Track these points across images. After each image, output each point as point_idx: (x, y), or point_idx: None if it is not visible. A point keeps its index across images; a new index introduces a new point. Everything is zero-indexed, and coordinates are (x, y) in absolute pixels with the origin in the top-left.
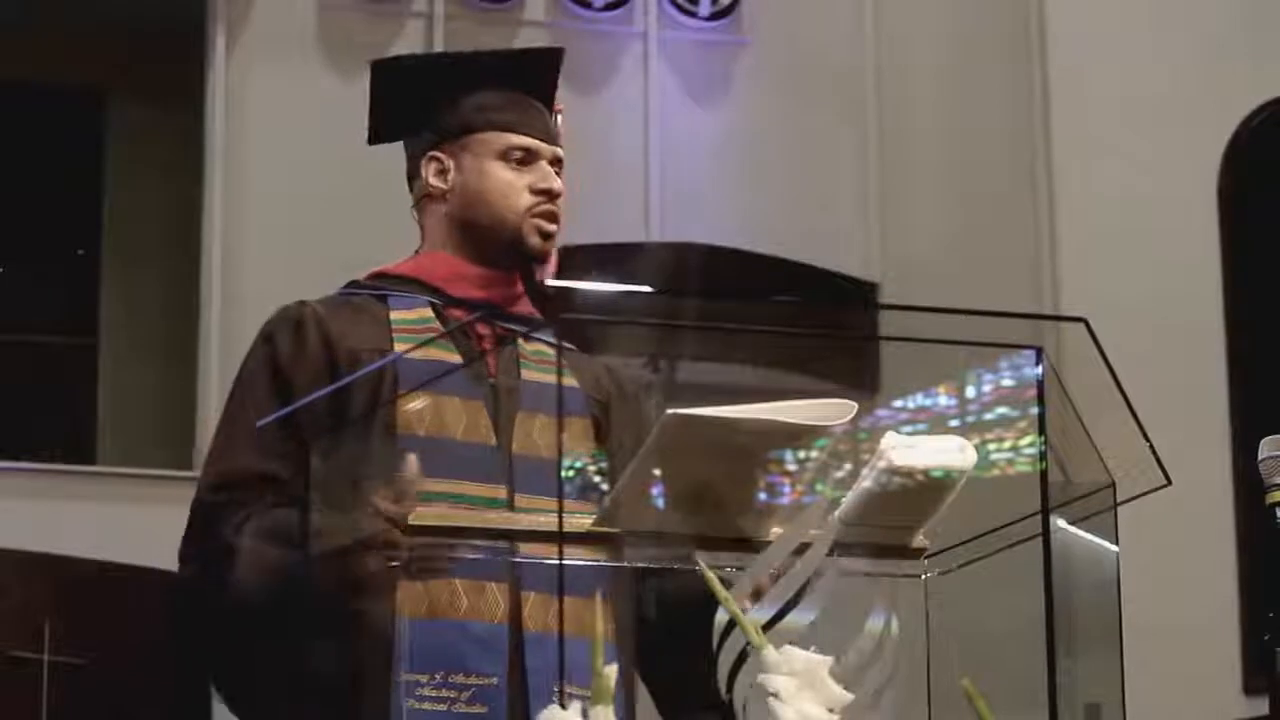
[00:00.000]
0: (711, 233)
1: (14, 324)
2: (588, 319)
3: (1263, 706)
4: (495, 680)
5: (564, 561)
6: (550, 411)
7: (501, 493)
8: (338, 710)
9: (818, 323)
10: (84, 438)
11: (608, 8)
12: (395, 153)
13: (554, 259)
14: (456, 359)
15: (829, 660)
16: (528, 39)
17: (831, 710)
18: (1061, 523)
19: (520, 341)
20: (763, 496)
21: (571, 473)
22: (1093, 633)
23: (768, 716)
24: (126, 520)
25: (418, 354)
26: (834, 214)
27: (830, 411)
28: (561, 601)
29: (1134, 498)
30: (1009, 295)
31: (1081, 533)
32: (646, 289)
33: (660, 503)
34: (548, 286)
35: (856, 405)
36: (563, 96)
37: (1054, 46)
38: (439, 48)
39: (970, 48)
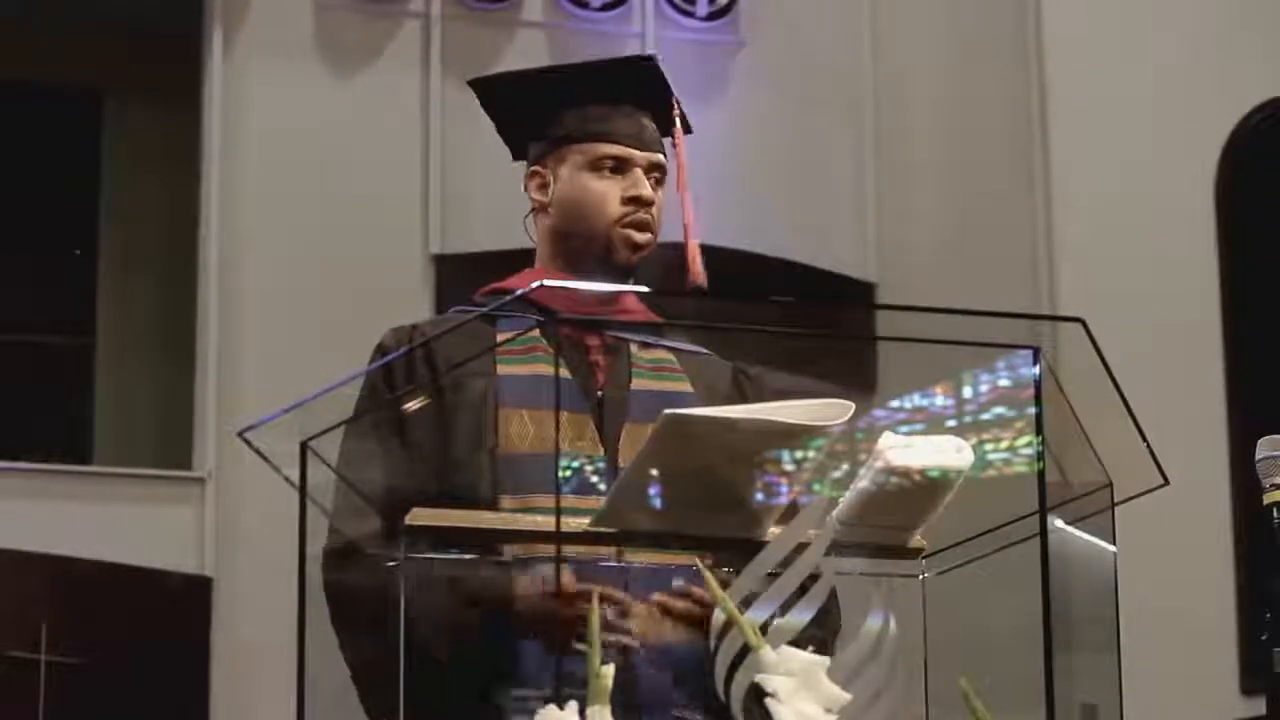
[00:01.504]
0: (708, 232)
1: (11, 324)
2: (584, 319)
3: (1260, 707)
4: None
5: (561, 561)
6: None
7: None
8: None
9: (815, 323)
10: (81, 438)
11: (605, 8)
12: (392, 152)
13: (698, 257)
14: (564, 373)
15: (826, 660)
16: (525, 39)
17: (829, 710)
18: (1059, 523)
19: (636, 350)
20: (760, 496)
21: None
22: (1090, 633)
23: (766, 716)
24: (124, 520)
25: (519, 369)
26: (831, 214)
27: (827, 412)
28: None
29: (1131, 498)
30: (1006, 295)
31: (1079, 533)
32: (643, 289)
33: (658, 503)
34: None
35: (854, 405)
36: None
37: (1051, 47)
38: (436, 48)
39: (967, 48)
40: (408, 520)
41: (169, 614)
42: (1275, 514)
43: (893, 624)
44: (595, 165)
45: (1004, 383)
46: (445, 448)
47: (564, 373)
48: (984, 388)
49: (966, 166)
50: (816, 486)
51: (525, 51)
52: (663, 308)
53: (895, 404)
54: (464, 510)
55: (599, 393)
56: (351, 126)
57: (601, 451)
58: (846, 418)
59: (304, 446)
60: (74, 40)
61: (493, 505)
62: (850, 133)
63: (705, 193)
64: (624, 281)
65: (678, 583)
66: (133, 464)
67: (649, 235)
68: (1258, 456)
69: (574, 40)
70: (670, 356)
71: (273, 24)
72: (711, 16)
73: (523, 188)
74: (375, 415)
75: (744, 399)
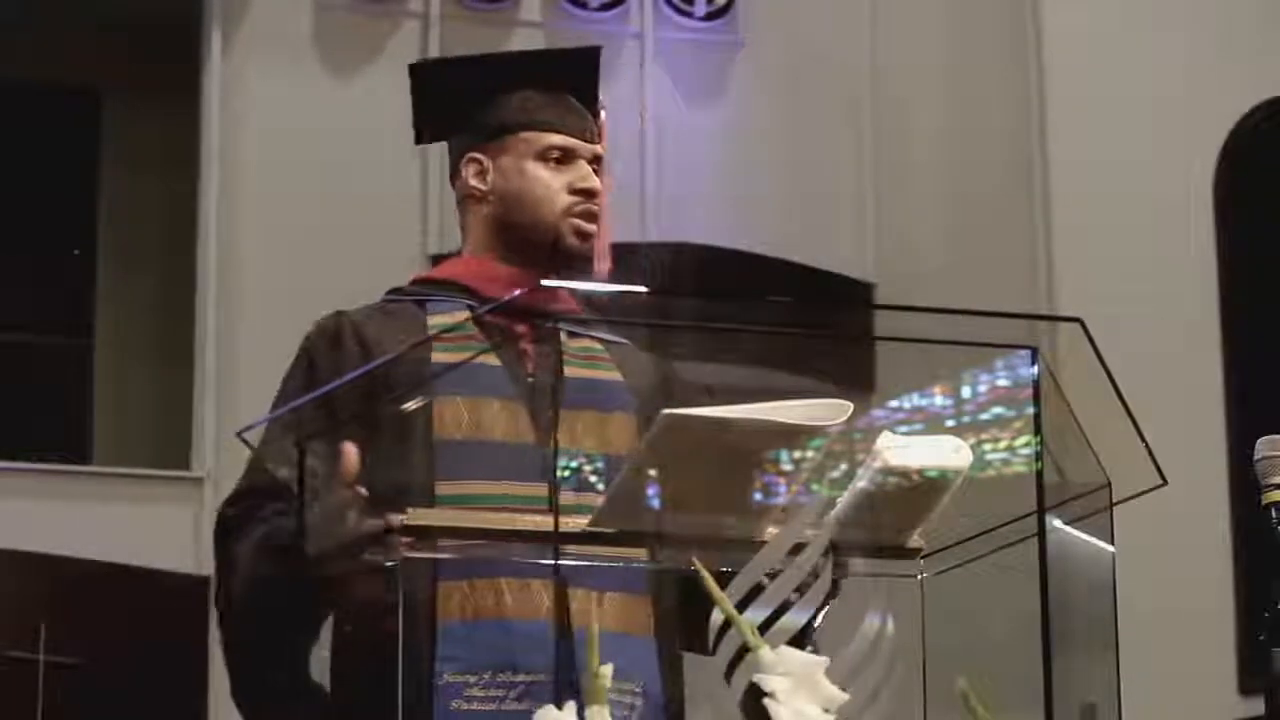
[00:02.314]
0: (707, 233)
1: (9, 323)
2: (580, 319)
3: (1259, 707)
4: (544, 677)
5: (559, 562)
6: (595, 408)
7: (544, 491)
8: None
9: (813, 323)
10: (80, 438)
11: (604, 8)
12: (391, 152)
13: (607, 258)
14: (495, 362)
15: (825, 660)
16: (524, 39)
17: (827, 710)
18: (1057, 523)
19: (565, 339)
20: (758, 496)
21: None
22: (1088, 633)
23: (764, 716)
24: (122, 520)
25: (453, 357)
26: (830, 214)
27: (826, 412)
28: (557, 600)
29: (1130, 498)
30: (1004, 295)
31: (1077, 533)
32: (642, 289)
33: (656, 502)
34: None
35: (852, 405)
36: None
37: (1050, 46)
38: (435, 48)
39: (966, 48)
40: (405, 520)
41: (167, 614)
42: (1274, 514)
43: (891, 624)
44: (542, 155)
45: (1002, 383)
46: (381, 433)
47: (494, 360)
48: (982, 388)
49: (965, 166)
50: (815, 486)
51: None
52: (596, 301)
53: (894, 404)
54: (462, 510)
55: (529, 380)
56: (350, 126)
57: (533, 439)
58: (845, 418)
59: (301, 447)
60: (73, 40)
61: (429, 490)
62: (849, 132)
63: (704, 192)
64: (575, 269)
65: None
66: (131, 464)
67: (595, 227)
68: (1256, 456)
69: (572, 40)
70: (598, 346)
71: (272, 24)
72: (710, 16)
73: (450, 176)
74: (309, 404)
75: (669, 391)
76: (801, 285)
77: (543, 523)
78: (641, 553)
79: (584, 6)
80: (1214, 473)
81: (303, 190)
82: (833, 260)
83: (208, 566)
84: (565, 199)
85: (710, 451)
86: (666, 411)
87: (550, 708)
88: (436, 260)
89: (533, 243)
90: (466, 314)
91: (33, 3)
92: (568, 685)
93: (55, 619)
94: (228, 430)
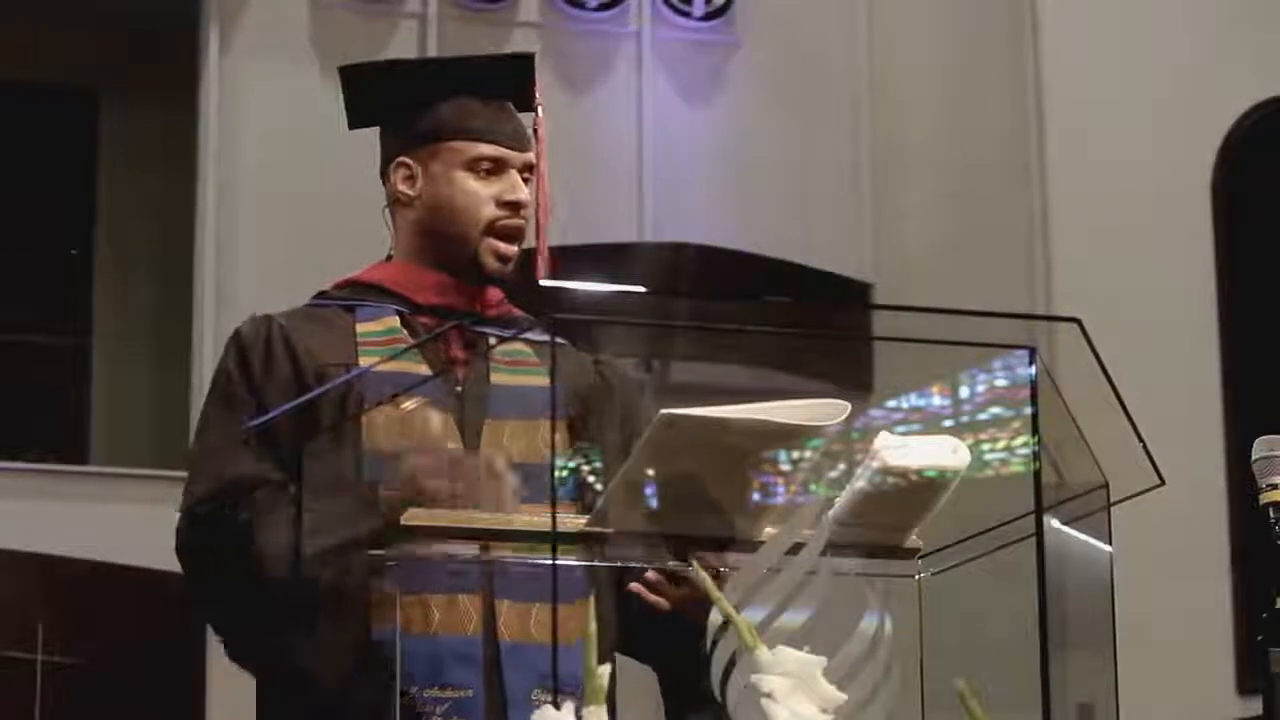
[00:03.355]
0: (705, 233)
1: (8, 323)
2: (579, 319)
3: (1257, 707)
4: (471, 692)
5: (557, 562)
6: (520, 415)
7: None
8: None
9: (811, 323)
10: (77, 437)
11: (601, 8)
12: None
13: (547, 262)
14: (424, 369)
15: (823, 660)
16: (521, 39)
17: (825, 710)
18: (1055, 523)
19: (494, 344)
20: (756, 497)
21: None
22: (1086, 633)
23: (761, 717)
24: (119, 520)
25: (384, 366)
26: (827, 214)
27: (823, 412)
28: (555, 601)
29: (1127, 498)
30: (1003, 295)
31: (1075, 533)
32: (639, 289)
33: (653, 503)
34: (543, 287)
35: (850, 405)
36: (556, 97)
37: (1047, 46)
38: (432, 48)
39: (964, 48)
40: (404, 520)
41: (165, 614)
42: (1272, 514)
43: (889, 624)
44: (471, 165)
45: (1000, 383)
46: (308, 440)
47: (422, 368)
48: (980, 388)
49: (963, 166)
50: (813, 486)
51: None
52: (527, 305)
53: (891, 404)
54: (460, 511)
55: (458, 388)
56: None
57: (462, 448)
58: (842, 418)
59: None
60: (71, 40)
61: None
62: (847, 132)
63: (701, 192)
64: (493, 283)
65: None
66: (129, 464)
67: (515, 248)
68: (1254, 456)
69: (569, 40)
70: (528, 350)
71: (269, 23)
72: (708, 16)
73: (381, 175)
74: (227, 403)
75: (609, 389)
76: (799, 285)
77: (540, 523)
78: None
79: (581, 6)
80: (1212, 473)
81: (300, 190)
82: (830, 260)
83: None
84: (490, 211)
85: (708, 451)
86: (664, 411)
87: (548, 708)
88: None
89: (453, 254)
90: (395, 319)
91: (31, 2)
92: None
93: (53, 619)
94: None
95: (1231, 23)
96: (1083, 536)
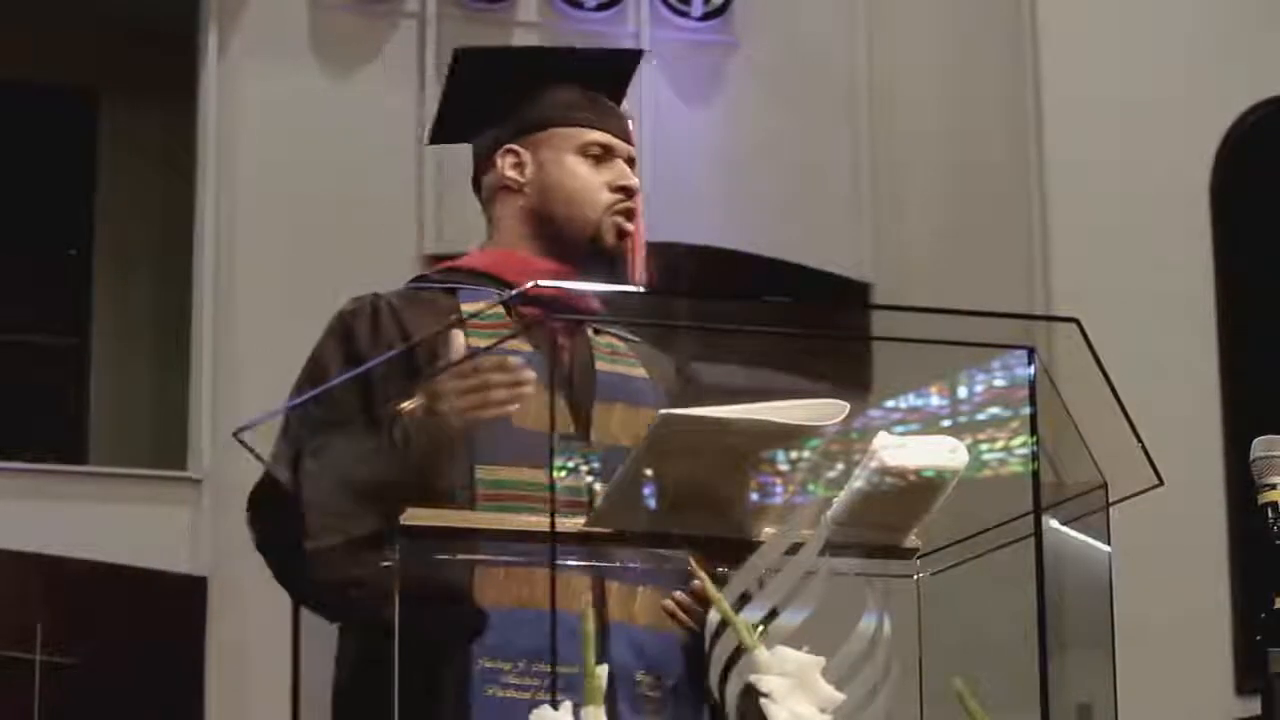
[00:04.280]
0: (703, 233)
1: (7, 323)
2: (578, 319)
3: (1255, 707)
4: (577, 669)
5: (555, 563)
6: (627, 401)
7: (578, 481)
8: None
9: (810, 323)
10: (77, 438)
11: (600, 8)
12: (387, 152)
13: (641, 257)
14: (529, 349)
15: (821, 661)
16: (520, 39)
17: (824, 710)
18: (1054, 523)
19: (592, 334)
20: (755, 496)
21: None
22: (1085, 633)
23: (760, 717)
24: (119, 520)
25: (486, 343)
26: (826, 214)
27: (822, 412)
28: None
29: (1126, 498)
30: (1001, 295)
31: (1074, 533)
32: (638, 289)
33: (653, 503)
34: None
35: (848, 405)
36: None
37: (1046, 46)
38: (431, 47)
39: (963, 48)
40: (402, 520)
41: (164, 614)
42: (1270, 514)
43: (887, 624)
44: (582, 150)
45: (999, 383)
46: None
47: (528, 348)
48: (979, 388)
49: (962, 166)
50: (811, 486)
51: None
52: (609, 300)
53: (890, 404)
54: (458, 511)
55: (567, 370)
56: (347, 126)
57: (572, 429)
58: (841, 418)
59: (298, 447)
60: (70, 40)
61: (468, 472)
62: (845, 132)
63: (700, 192)
64: (611, 266)
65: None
66: (128, 464)
67: (633, 226)
68: (1253, 456)
69: (569, 40)
70: (620, 343)
71: (268, 23)
72: (706, 16)
73: (478, 167)
74: (346, 389)
75: (685, 391)
76: (798, 285)
77: (539, 522)
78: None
79: (580, 6)
80: (1210, 473)
81: (300, 190)
82: (829, 260)
83: (204, 567)
84: (606, 196)
85: (707, 451)
86: (664, 412)
87: (546, 708)
88: (433, 260)
89: (569, 236)
90: (497, 302)
91: (30, 2)
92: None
93: (52, 619)
94: (225, 430)
95: (1230, 23)
96: (1081, 537)
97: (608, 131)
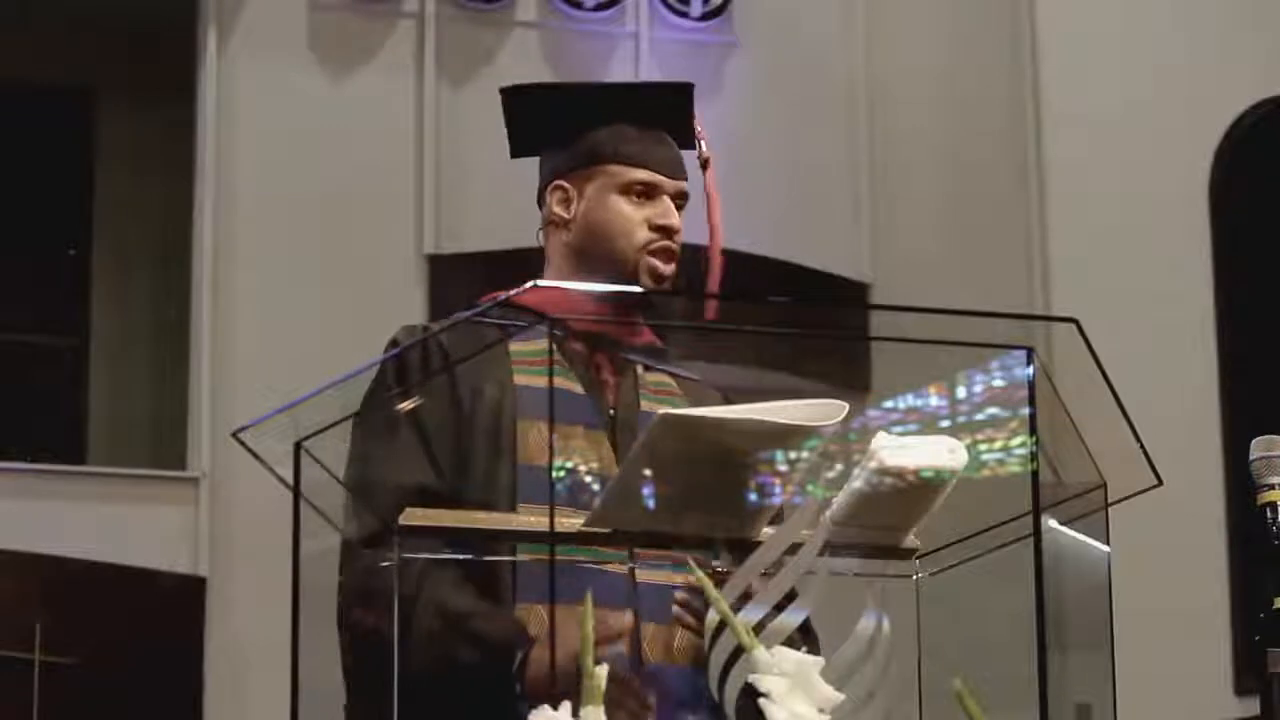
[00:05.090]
0: (703, 233)
1: (5, 323)
2: (577, 318)
3: (1254, 707)
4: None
5: (555, 561)
6: None
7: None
8: None
9: (810, 323)
10: (76, 438)
11: (599, 8)
12: (386, 152)
13: (721, 271)
14: (578, 389)
15: (820, 661)
16: (519, 39)
17: (823, 710)
18: (1053, 523)
19: (641, 372)
20: (754, 497)
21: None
22: (1084, 633)
23: (759, 717)
24: (118, 520)
25: (540, 382)
26: (825, 214)
27: (821, 412)
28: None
29: (1125, 498)
30: (1000, 295)
31: (1073, 533)
32: (637, 289)
33: (652, 503)
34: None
35: (847, 406)
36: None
37: (1045, 47)
38: (430, 48)
39: (962, 48)
40: (401, 520)
41: (163, 614)
42: (1269, 514)
43: (886, 624)
44: (626, 189)
45: (998, 383)
46: (462, 451)
47: (578, 388)
48: (978, 388)
49: (961, 167)
50: (810, 487)
51: (519, 52)
52: (662, 334)
53: (889, 404)
54: (457, 510)
55: (611, 411)
56: (346, 126)
57: (617, 469)
58: (840, 418)
59: (298, 447)
60: (69, 40)
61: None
62: (845, 133)
63: (699, 193)
64: (644, 310)
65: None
66: (127, 464)
67: (673, 266)
68: (1251, 456)
69: (567, 41)
70: (670, 380)
71: (267, 23)
72: (705, 16)
73: (538, 199)
74: (389, 411)
75: None
76: (797, 286)
77: (538, 522)
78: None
79: (579, 7)
80: (1209, 473)
81: (298, 190)
82: (828, 260)
83: (204, 566)
84: (643, 235)
85: (707, 452)
86: (663, 412)
87: (545, 708)
88: (432, 260)
89: (607, 274)
90: (547, 340)
91: (29, 2)
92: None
93: (51, 619)
94: (224, 430)
95: (1229, 23)
96: (1080, 536)
97: (651, 169)
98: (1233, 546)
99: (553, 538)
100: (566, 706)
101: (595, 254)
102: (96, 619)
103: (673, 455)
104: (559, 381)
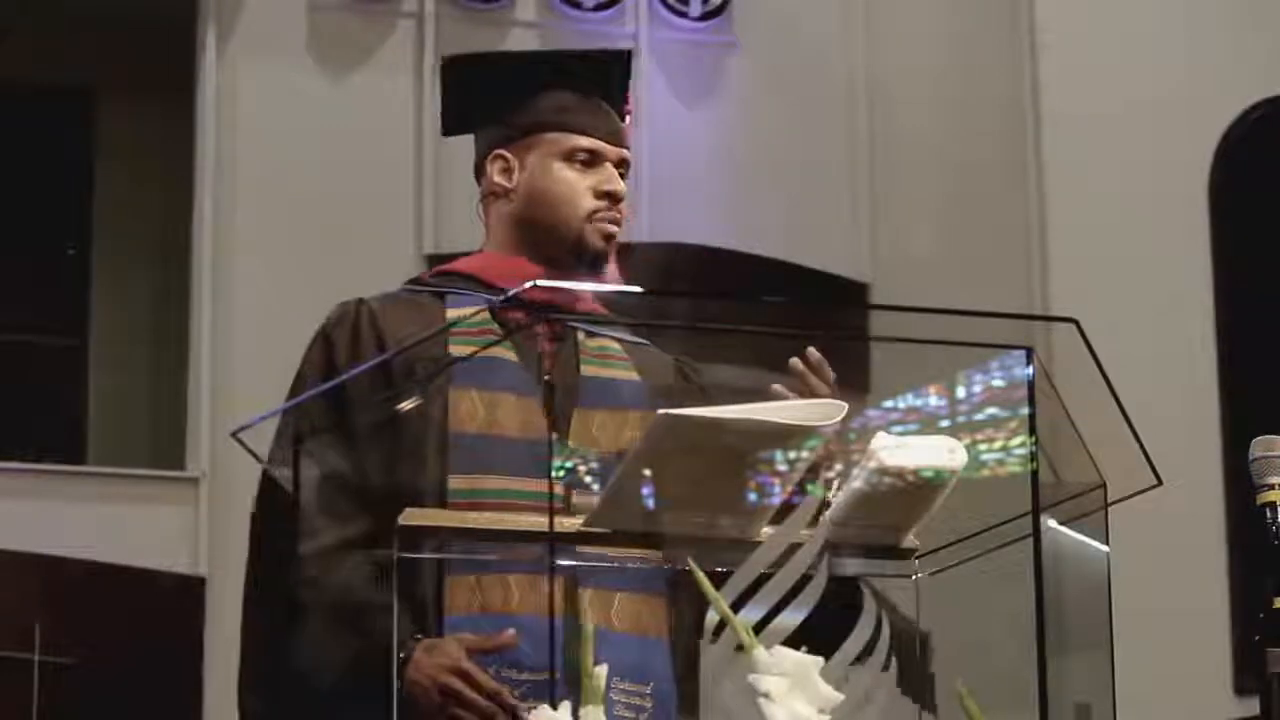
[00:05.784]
0: (702, 233)
1: (4, 323)
2: (575, 317)
3: (1253, 707)
4: (558, 674)
5: (554, 563)
6: (610, 406)
7: (557, 489)
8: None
9: (809, 323)
10: (75, 437)
11: (598, 8)
12: (386, 151)
13: (615, 262)
14: (512, 356)
15: (819, 660)
16: (518, 39)
17: (822, 711)
18: (1052, 523)
19: (583, 338)
20: (753, 497)
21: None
22: (1083, 632)
23: (758, 717)
24: (118, 520)
25: (469, 350)
26: (825, 214)
27: (821, 412)
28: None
29: (1125, 498)
30: (1000, 296)
31: (1072, 533)
32: (637, 289)
33: (651, 503)
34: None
35: (847, 406)
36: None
37: (1045, 47)
38: (430, 48)
39: (961, 48)
40: (400, 520)
41: (163, 614)
42: (1268, 514)
43: (886, 624)
44: (569, 156)
45: (997, 383)
46: (396, 425)
47: (512, 356)
48: (977, 388)
49: (961, 167)
50: (810, 487)
51: None
52: (613, 301)
53: (889, 404)
54: (456, 511)
55: (546, 377)
56: (345, 126)
57: (550, 435)
58: (840, 418)
59: (298, 447)
60: (68, 40)
61: (440, 484)
62: (844, 133)
63: (699, 193)
64: (595, 271)
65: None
66: (127, 464)
67: (619, 229)
68: (1251, 456)
69: (567, 40)
70: (616, 345)
71: (266, 23)
72: (705, 16)
73: (476, 171)
74: (319, 396)
75: (688, 387)
76: (796, 286)
77: (538, 522)
78: (650, 553)
79: (578, 7)
80: (1209, 473)
81: (298, 190)
82: (828, 260)
83: (203, 566)
84: (590, 202)
85: (706, 452)
86: (662, 412)
87: (544, 708)
88: (432, 260)
89: (554, 241)
90: (485, 308)
91: (28, 2)
92: (572, 684)
93: (50, 619)
94: (223, 430)
95: (1229, 23)
96: (1080, 536)
97: (595, 135)
98: (1232, 546)
99: (552, 537)
100: (566, 706)
101: (540, 222)
102: (96, 619)
103: (672, 454)
104: (494, 350)
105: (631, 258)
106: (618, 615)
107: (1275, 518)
